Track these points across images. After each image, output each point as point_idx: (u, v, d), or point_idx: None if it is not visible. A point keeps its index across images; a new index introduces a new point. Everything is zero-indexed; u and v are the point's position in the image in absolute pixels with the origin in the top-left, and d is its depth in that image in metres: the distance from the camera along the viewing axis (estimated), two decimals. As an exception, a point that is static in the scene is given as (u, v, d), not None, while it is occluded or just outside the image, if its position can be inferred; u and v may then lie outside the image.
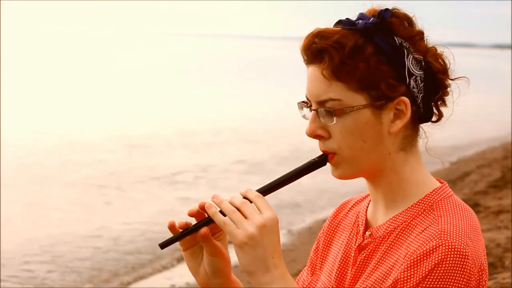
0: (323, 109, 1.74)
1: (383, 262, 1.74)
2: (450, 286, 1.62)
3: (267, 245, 1.67)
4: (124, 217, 10.84)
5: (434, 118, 1.81)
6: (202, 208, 1.75)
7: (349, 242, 1.87)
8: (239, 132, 19.85)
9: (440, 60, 1.78)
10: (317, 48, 1.73)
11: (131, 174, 13.86)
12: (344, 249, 1.87)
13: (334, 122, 1.73)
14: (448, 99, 1.81)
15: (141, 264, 8.84)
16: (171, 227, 1.78)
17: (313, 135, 1.77)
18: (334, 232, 1.96)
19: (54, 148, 16.25)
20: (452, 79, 1.80)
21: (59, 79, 37.95)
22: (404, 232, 1.74)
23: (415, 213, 1.75)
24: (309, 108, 1.78)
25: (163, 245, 1.76)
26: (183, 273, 8.23)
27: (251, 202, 1.71)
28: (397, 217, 1.77)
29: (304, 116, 1.80)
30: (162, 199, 12.02)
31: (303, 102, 1.80)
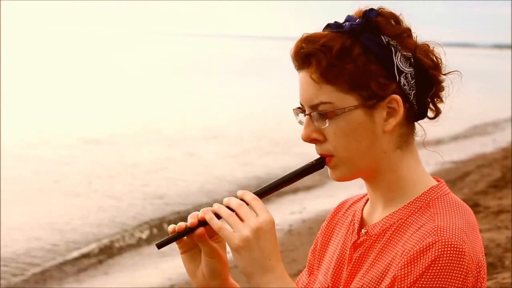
0: (316, 113, 1.74)
1: (379, 259, 1.74)
2: (448, 282, 1.62)
3: (264, 247, 1.67)
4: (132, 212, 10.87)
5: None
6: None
7: (345, 240, 1.87)
8: (236, 131, 19.84)
9: (431, 56, 1.78)
10: (305, 53, 1.74)
11: (129, 172, 13.85)
12: (341, 248, 1.87)
13: (327, 125, 1.74)
14: (444, 94, 1.80)
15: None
16: (173, 232, 1.78)
17: (308, 139, 1.77)
18: (332, 232, 1.96)
19: (54, 146, 16.26)
20: (444, 74, 1.79)
21: (59, 79, 37.97)
22: (400, 229, 1.74)
23: (411, 211, 1.75)
24: (303, 114, 1.79)
25: (160, 245, 1.76)
26: (183, 272, 8.23)
27: (247, 204, 1.71)
28: (393, 215, 1.77)
29: (300, 122, 1.81)
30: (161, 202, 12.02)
31: (298, 108, 1.81)
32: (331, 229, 1.97)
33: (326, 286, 1.86)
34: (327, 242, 1.96)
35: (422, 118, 1.80)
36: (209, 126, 20.72)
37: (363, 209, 1.88)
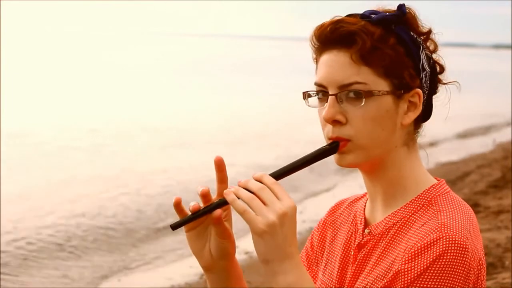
0: (347, 92, 1.72)
1: (383, 258, 1.75)
2: (450, 278, 1.63)
3: (286, 234, 1.62)
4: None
5: None
6: (221, 194, 1.73)
7: (348, 241, 1.87)
8: (232, 131, 19.82)
9: (439, 61, 1.81)
10: (347, 31, 1.72)
11: (126, 171, 13.85)
12: (344, 249, 1.87)
13: (363, 104, 1.71)
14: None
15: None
16: (177, 204, 1.75)
17: (331, 120, 1.73)
18: (331, 229, 1.96)
19: (54, 146, 16.26)
20: (444, 83, 1.82)
21: (60, 78, 37.97)
22: (403, 227, 1.75)
23: (414, 209, 1.76)
24: (320, 94, 1.76)
25: (175, 226, 1.72)
26: (183, 272, 8.22)
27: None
28: (395, 213, 1.77)
29: (311, 106, 1.79)
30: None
31: (314, 89, 1.78)
32: (328, 225, 1.96)
33: (333, 287, 1.86)
34: (323, 239, 1.96)
35: (427, 119, 1.81)
36: (208, 126, 20.71)
37: (364, 208, 1.87)
